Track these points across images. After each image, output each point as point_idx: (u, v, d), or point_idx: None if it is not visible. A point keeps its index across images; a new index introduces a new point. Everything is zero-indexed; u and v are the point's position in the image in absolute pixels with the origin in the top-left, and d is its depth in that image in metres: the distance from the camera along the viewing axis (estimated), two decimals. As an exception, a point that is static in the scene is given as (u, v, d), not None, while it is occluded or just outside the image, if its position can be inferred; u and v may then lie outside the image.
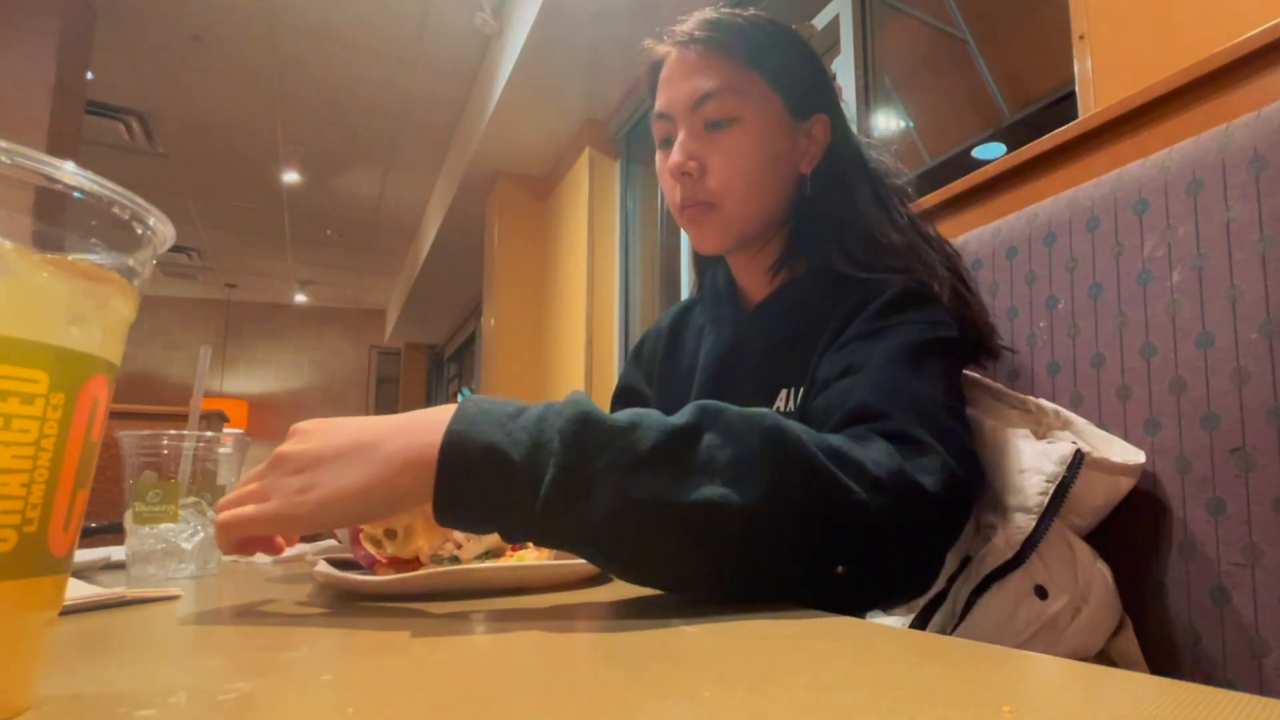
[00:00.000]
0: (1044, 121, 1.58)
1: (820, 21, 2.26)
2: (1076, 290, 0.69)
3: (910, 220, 0.71)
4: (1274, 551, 0.54)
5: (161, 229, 0.24)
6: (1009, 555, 0.55)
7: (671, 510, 0.40)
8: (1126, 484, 0.60)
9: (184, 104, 4.25)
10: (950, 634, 0.56)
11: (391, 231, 6.24)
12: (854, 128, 0.74)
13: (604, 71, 3.27)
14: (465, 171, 4.26)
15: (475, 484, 0.40)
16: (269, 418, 8.07)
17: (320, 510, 0.41)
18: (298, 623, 0.39)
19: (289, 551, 0.74)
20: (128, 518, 0.62)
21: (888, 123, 2.20)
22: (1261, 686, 0.54)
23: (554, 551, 0.55)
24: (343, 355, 8.82)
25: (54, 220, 0.21)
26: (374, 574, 0.49)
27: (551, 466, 0.39)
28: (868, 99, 2.13)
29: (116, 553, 0.68)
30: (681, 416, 0.43)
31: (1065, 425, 0.62)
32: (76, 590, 0.45)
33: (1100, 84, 1.17)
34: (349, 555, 0.55)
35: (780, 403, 0.66)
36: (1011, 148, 1.34)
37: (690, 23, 0.68)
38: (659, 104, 0.70)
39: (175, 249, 6.34)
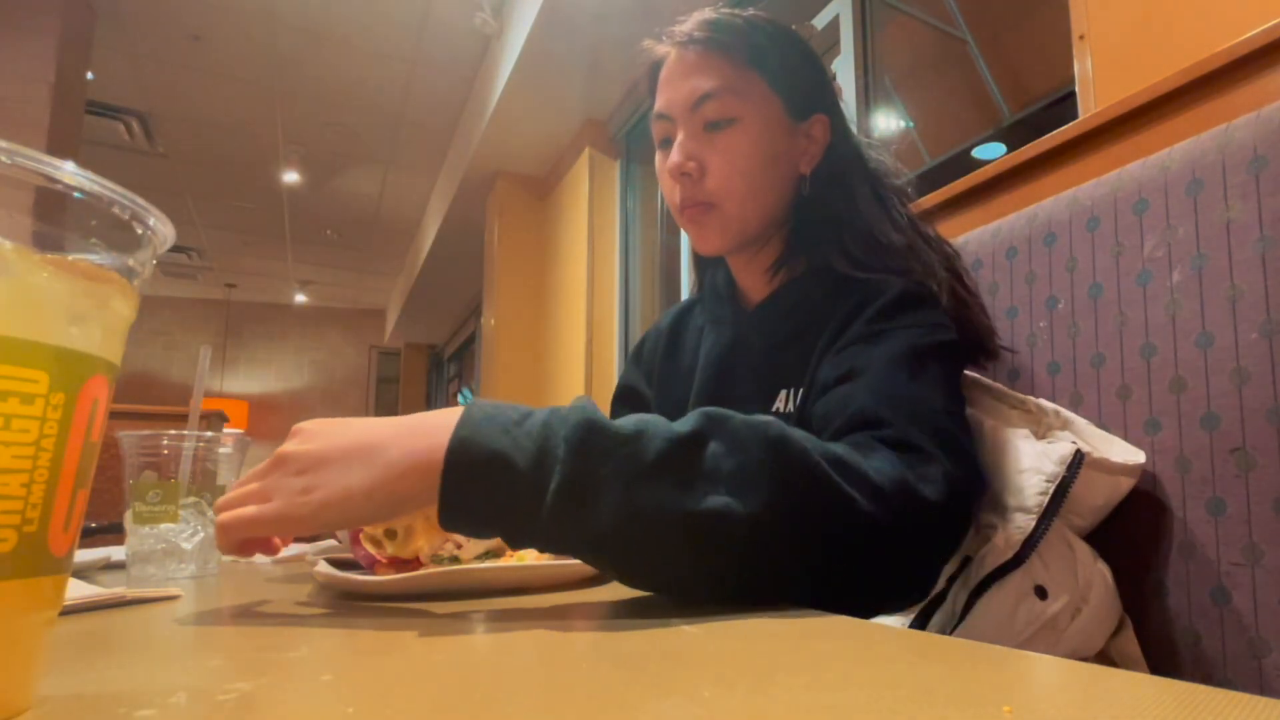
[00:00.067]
0: (1044, 121, 1.58)
1: (820, 21, 2.26)
2: (1076, 290, 0.69)
3: (910, 220, 0.71)
4: (1274, 551, 0.54)
5: (161, 229, 0.24)
6: (1009, 555, 0.55)
7: (676, 519, 0.40)
8: (1126, 484, 0.60)
9: (184, 104, 4.25)
10: (950, 634, 0.56)
11: (391, 231, 6.24)
12: (854, 128, 0.74)
13: (604, 71, 3.27)
14: (465, 171, 4.26)
15: (480, 490, 0.40)
16: (269, 418, 8.07)
17: (322, 512, 0.41)
18: (298, 623, 0.39)
19: (287, 551, 0.74)
20: (128, 518, 0.62)
21: (888, 123, 2.20)
22: (1261, 686, 0.54)
23: (554, 551, 0.55)
24: (343, 355, 8.82)
25: (54, 220, 0.21)
26: (374, 574, 0.49)
27: (557, 474, 0.39)
28: (868, 99, 2.12)
29: (116, 553, 0.68)
30: (686, 424, 0.43)
31: (1065, 425, 0.62)
32: (76, 590, 0.45)
33: (1100, 84, 1.17)
34: (349, 555, 0.55)
35: (780, 403, 0.66)
36: (1011, 148, 1.34)
37: (689, 23, 0.68)
38: (658, 104, 0.70)
39: (175, 249, 6.34)
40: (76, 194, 0.21)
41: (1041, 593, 0.56)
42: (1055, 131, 1.14)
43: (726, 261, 0.78)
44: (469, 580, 0.49)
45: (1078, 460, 0.56)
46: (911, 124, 2.18)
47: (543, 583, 0.51)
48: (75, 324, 0.21)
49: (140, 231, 0.24)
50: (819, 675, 0.25)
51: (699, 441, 0.42)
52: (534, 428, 0.41)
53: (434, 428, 0.41)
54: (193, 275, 7.37)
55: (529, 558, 0.56)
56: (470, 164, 4.17)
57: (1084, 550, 0.60)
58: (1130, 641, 0.60)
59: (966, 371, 0.68)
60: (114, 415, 0.30)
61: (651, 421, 0.43)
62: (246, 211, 5.80)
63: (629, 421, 0.43)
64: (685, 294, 2.03)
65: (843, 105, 0.73)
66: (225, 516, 0.43)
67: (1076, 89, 1.23)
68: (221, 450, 0.68)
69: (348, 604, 0.45)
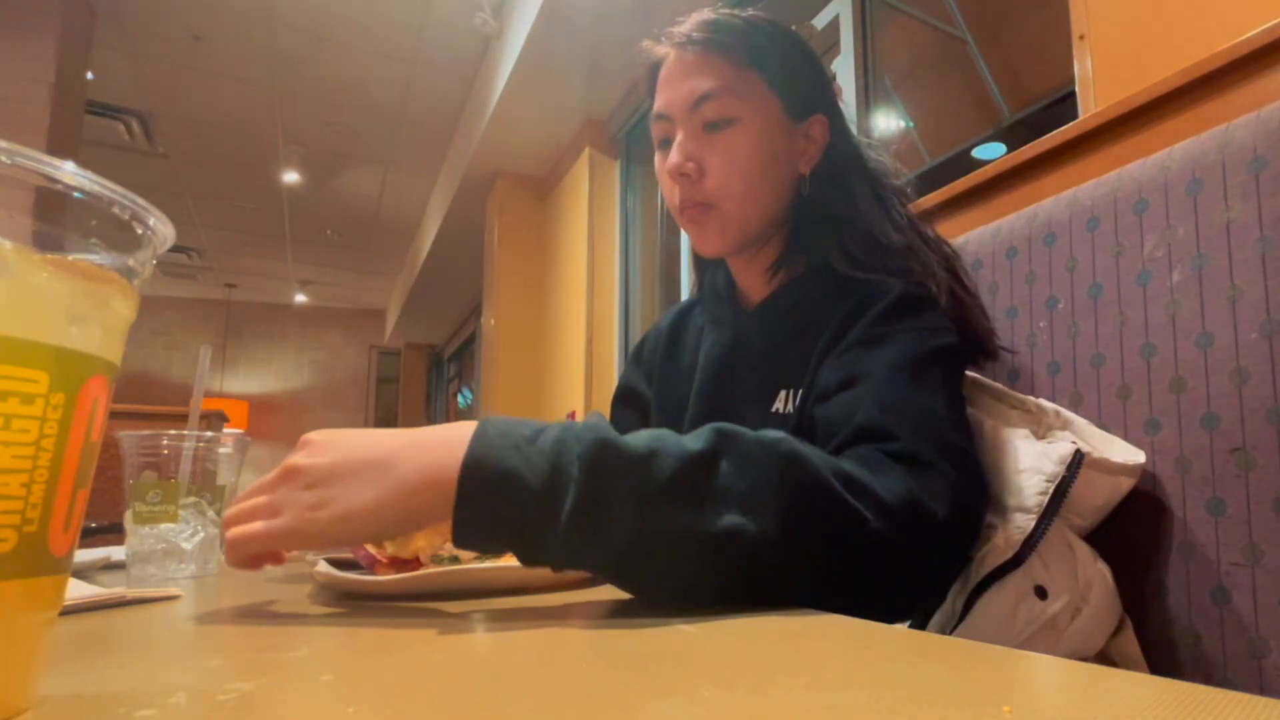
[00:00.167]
0: (1044, 121, 1.58)
1: (820, 21, 2.26)
2: (1076, 290, 0.69)
3: (909, 220, 0.71)
4: (1274, 551, 0.54)
5: (161, 229, 0.24)
6: (1009, 555, 0.55)
7: (690, 539, 0.40)
8: (1126, 484, 0.60)
9: (184, 104, 4.25)
10: (950, 634, 0.56)
11: (391, 231, 6.24)
12: (853, 128, 0.74)
13: (604, 72, 3.27)
14: (465, 171, 4.26)
15: (494, 510, 0.40)
16: (269, 418, 8.06)
17: (333, 527, 0.41)
18: (298, 623, 0.39)
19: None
20: (128, 518, 0.62)
21: (888, 123, 2.20)
22: (1261, 686, 0.54)
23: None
24: (343, 355, 8.81)
25: (54, 220, 0.21)
26: (374, 574, 0.49)
27: (571, 495, 0.39)
28: (868, 99, 2.12)
29: (116, 553, 0.68)
30: (698, 442, 0.43)
31: (1065, 425, 0.62)
32: (76, 590, 0.45)
33: (1100, 84, 1.17)
34: (349, 555, 0.55)
35: (779, 403, 0.66)
36: (1011, 148, 1.34)
37: (688, 24, 0.68)
38: (657, 105, 0.70)
39: (175, 249, 6.34)
40: (76, 194, 0.21)
41: (1041, 593, 0.56)
42: (1055, 131, 1.14)
43: (726, 262, 0.78)
44: (469, 580, 0.49)
45: (1077, 460, 0.56)
46: (911, 124, 2.18)
47: (543, 583, 0.51)
48: (75, 324, 0.21)
49: (140, 231, 0.24)
50: (819, 675, 0.25)
51: (711, 460, 0.43)
52: (546, 445, 0.41)
53: (446, 443, 0.41)
54: (193, 275, 7.37)
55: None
56: (470, 164, 4.17)
57: (1084, 550, 0.60)
58: (1130, 641, 0.60)
59: (966, 371, 0.68)
60: (114, 415, 0.30)
61: (663, 439, 0.43)
62: (246, 211, 5.80)
63: (641, 439, 0.43)
64: (685, 294, 2.03)
65: (842, 105, 0.73)
66: (235, 532, 0.43)
67: (1076, 89, 1.23)
68: (221, 450, 0.68)
69: (348, 604, 0.45)
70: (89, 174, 0.21)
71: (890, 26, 2.20)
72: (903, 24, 2.20)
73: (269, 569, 0.69)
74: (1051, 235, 0.73)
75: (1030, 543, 0.55)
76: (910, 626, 0.59)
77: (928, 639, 0.32)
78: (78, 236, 0.22)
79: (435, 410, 8.84)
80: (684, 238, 1.69)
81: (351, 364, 8.84)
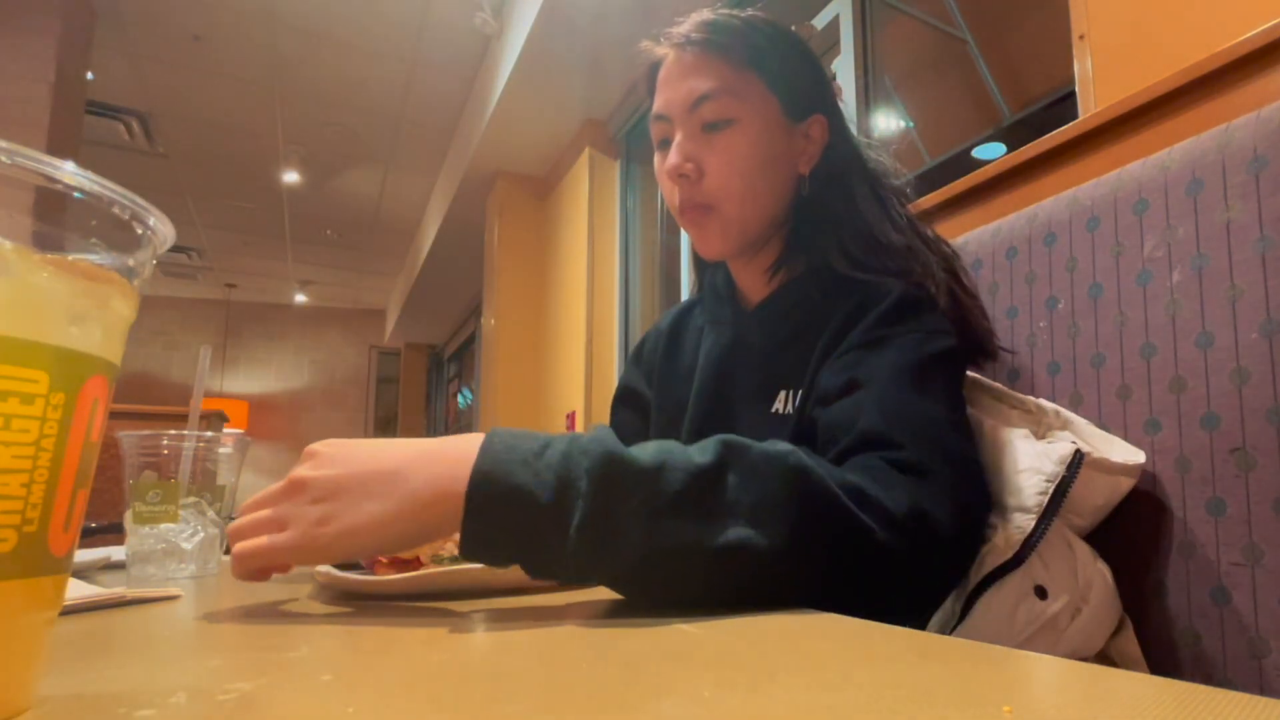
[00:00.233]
0: (1044, 121, 1.58)
1: (820, 21, 2.26)
2: (1076, 290, 0.69)
3: (909, 220, 0.71)
4: (1274, 551, 0.54)
5: (161, 229, 0.24)
6: (1009, 555, 0.55)
7: (698, 552, 0.40)
8: (1126, 484, 0.60)
9: (184, 104, 4.25)
10: (950, 634, 0.56)
11: (391, 231, 6.24)
12: (853, 128, 0.74)
13: (604, 71, 3.27)
14: (465, 171, 4.26)
15: (503, 526, 0.40)
16: (269, 418, 8.05)
17: (340, 542, 0.41)
18: (298, 623, 0.39)
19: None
20: (128, 518, 0.62)
21: (888, 123, 2.20)
22: (1261, 686, 0.54)
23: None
24: (343, 355, 8.81)
25: (54, 220, 0.21)
26: (374, 574, 0.49)
27: (579, 511, 0.39)
28: (868, 99, 2.12)
29: (116, 553, 0.68)
30: (705, 455, 0.43)
31: (1065, 425, 0.62)
32: (76, 590, 0.45)
33: (1100, 84, 1.17)
34: (349, 555, 0.55)
35: (779, 403, 0.66)
36: (1011, 148, 1.34)
37: (687, 24, 0.68)
38: (657, 105, 0.70)
39: (175, 249, 6.34)
40: (76, 194, 0.21)
41: (1041, 593, 0.56)
42: (1055, 131, 1.14)
43: (726, 262, 0.78)
44: (469, 580, 0.49)
45: (1077, 460, 0.56)
46: (911, 124, 2.18)
47: (543, 583, 0.51)
48: (75, 324, 0.21)
49: (140, 231, 0.24)
50: (819, 675, 0.25)
51: (719, 474, 0.43)
52: (554, 459, 0.41)
53: (454, 456, 0.41)
54: (193, 275, 7.37)
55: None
56: (470, 164, 4.17)
57: (1084, 550, 0.60)
58: (1130, 641, 0.60)
59: (966, 371, 0.68)
60: (114, 415, 0.30)
61: (670, 452, 0.43)
62: (246, 211, 5.80)
63: (648, 451, 0.43)
64: (685, 294, 2.03)
65: (842, 105, 0.73)
66: (241, 547, 0.43)
67: (1076, 89, 1.23)
68: (221, 450, 0.68)
69: (348, 604, 0.45)
70: (89, 174, 0.21)
71: (890, 26, 2.20)
72: (902, 24, 2.20)
73: (269, 569, 0.69)
74: (1051, 235, 0.73)
75: (1030, 543, 0.55)
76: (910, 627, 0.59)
77: (928, 639, 0.32)
78: (78, 236, 0.22)
79: (435, 410, 8.84)
80: (684, 237, 1.69)
81: (351, 364, 8.83)
